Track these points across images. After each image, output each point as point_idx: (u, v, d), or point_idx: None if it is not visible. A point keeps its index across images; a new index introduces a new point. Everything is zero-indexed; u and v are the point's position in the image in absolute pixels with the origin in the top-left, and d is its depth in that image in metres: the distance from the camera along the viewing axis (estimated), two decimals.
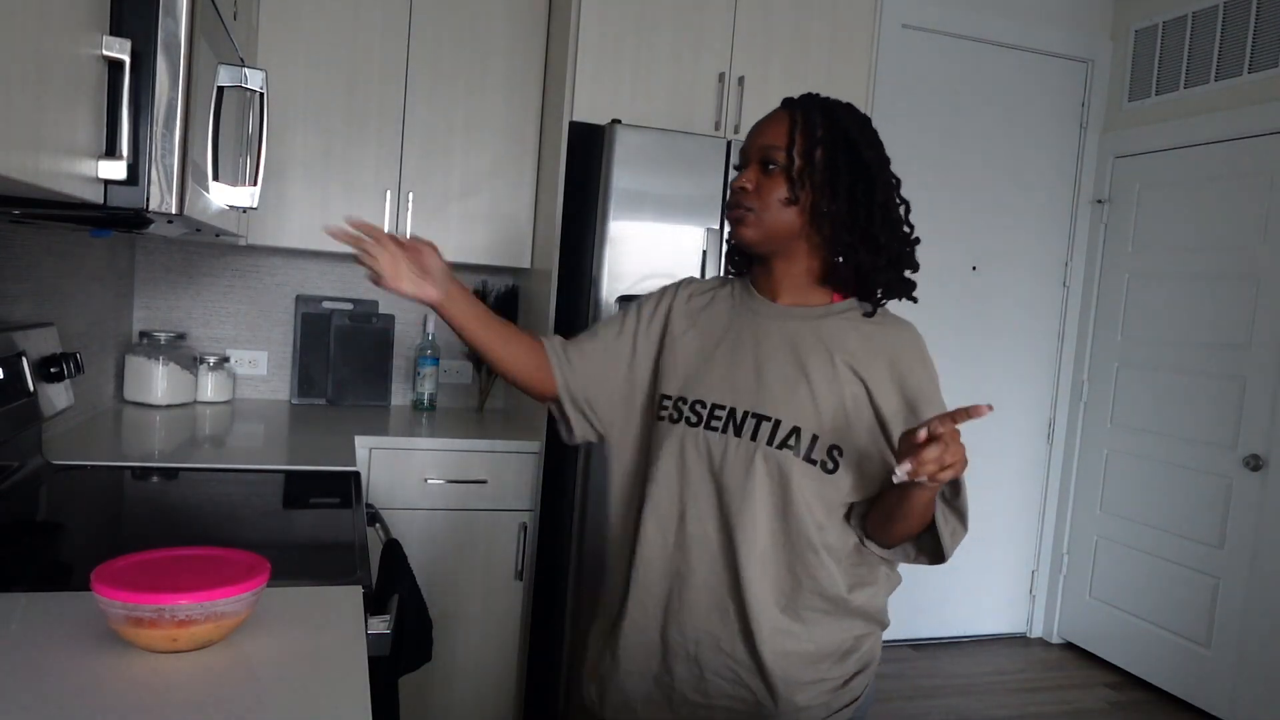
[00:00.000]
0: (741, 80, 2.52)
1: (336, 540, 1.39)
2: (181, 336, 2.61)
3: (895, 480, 0.96)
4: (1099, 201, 3.53)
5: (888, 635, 3.48)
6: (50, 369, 1.69)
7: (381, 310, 2.83)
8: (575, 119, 2.36)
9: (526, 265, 2.69)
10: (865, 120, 1.19)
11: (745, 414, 1.16)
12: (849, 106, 1.19)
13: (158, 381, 2.45)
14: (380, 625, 1.08)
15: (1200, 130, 3.15)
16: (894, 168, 1.19)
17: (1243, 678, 2.91)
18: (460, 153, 2.59)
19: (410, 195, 2.54)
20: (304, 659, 0.90)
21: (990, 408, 0.94)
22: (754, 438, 1.14)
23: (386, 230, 1.12)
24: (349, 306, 2.80)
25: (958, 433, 0.96)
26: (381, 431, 2.37)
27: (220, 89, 1.28)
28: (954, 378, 3.43)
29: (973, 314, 3.45)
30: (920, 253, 1.21)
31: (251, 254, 2.74)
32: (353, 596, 1.09)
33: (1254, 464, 2.89)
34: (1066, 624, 3.62)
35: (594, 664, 1.31)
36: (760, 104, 2.57)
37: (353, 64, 2.48)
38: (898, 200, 1.18)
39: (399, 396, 2.89)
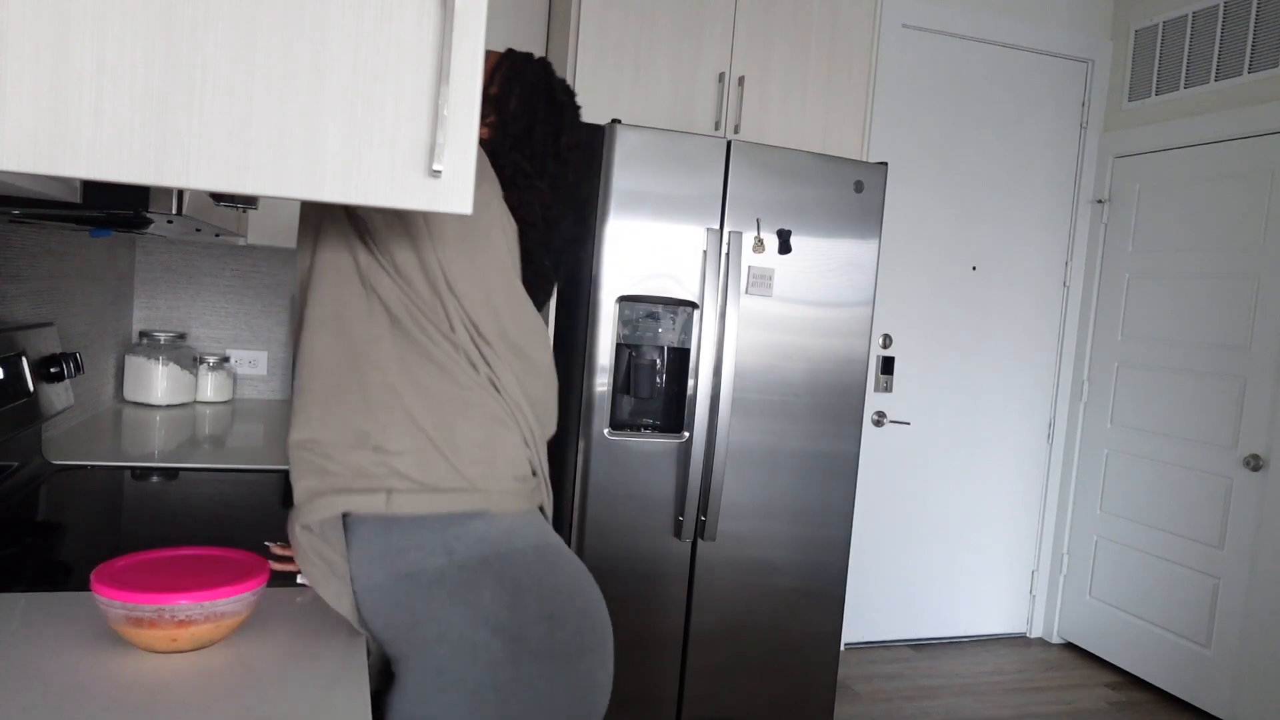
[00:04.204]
0: (741, 80, 2.52)
1: None
2: (181, 336, 2.61)
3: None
4: (1099, 201, 3.53)
5: (888, 635, 3.55)
6: (50, 369, 1.69)
7: None
8: None
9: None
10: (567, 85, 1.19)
11: None
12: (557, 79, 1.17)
13: (158, 381, 2.45)
14: None
15: (1200, 130, 3.15)
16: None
17: (1243, 678, 2.91)
18: None
19: None
20: (304, 659, 0.90)
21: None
22: None
23: None
24: None
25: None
26: None
27: None
28: (954, 377, 3.44)
29: (973, 314, 3.45)
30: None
31: (251, 254, 2.74)
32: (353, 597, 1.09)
33: (1254, 464, 2.89)
34: (1066, 624, 3.62)
35: None
36: (760, 104, 2.57)
37: None
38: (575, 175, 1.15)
39: None
